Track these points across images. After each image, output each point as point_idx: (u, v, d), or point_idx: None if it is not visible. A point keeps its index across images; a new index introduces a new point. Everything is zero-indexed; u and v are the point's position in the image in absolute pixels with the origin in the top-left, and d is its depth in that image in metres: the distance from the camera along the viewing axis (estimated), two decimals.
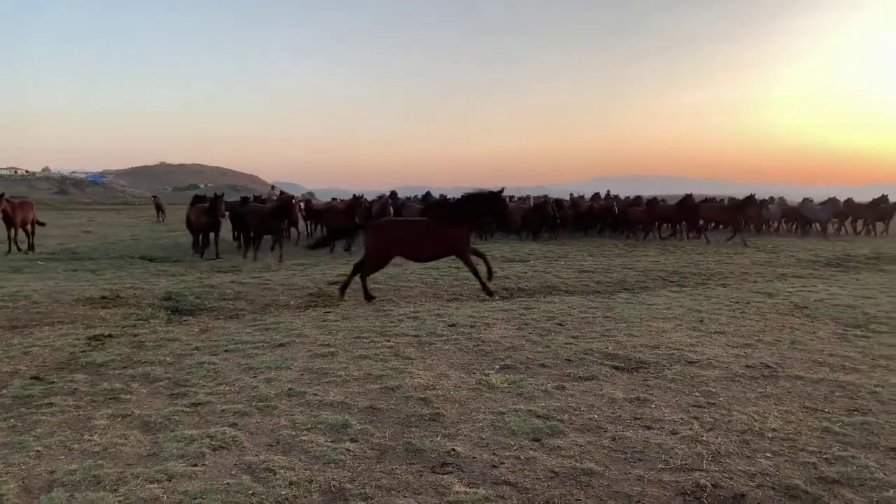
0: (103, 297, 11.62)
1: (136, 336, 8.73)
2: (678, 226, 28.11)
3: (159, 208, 44.96)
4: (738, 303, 11.18)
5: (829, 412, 5.68)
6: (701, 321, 9.51)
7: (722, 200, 34.38)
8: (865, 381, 6.54)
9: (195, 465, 4.65)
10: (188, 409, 5.80)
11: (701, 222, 27.14)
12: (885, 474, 4.45)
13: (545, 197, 32.21)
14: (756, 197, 27.18)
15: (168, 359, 7.52)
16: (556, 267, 16.85)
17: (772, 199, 34.04)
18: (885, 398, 6.01)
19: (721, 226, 30.17)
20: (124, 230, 34.31)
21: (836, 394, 6.17)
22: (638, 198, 33.63)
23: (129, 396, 6.20)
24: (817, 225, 31.31)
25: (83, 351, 7.91)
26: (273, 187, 25.84)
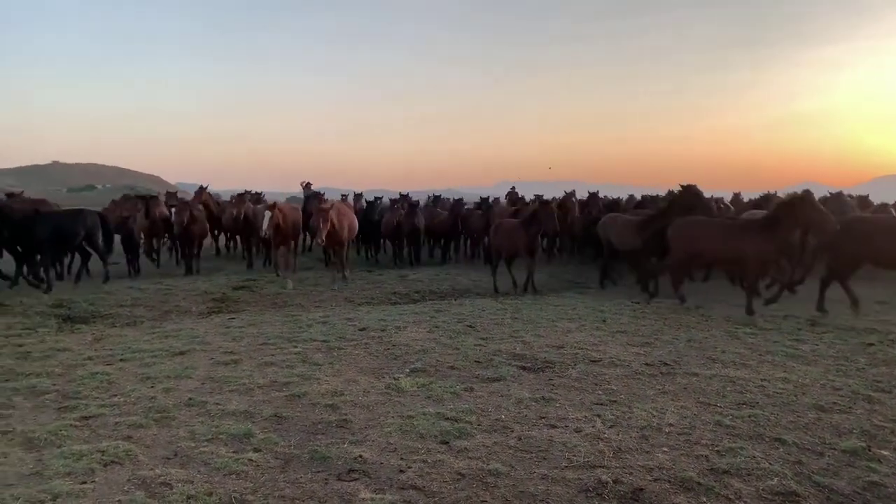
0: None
1: (20, 346, 8.15)
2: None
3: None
4: (638, 303, 11.61)
5: (721, 406, 5.98)
6: (604, 321, 9.82)
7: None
8: (753, 375, 6.93)
9: (84, 483, 4.37)
10: (78, 423, 5.46)
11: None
12: (769, 464, 4.72)
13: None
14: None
15: (57, 370, 7.06)
16: (468, 270, 17.03)
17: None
18: (770, 392, 6.39)
19: None
20: None
21: (728, 388, 6.50)
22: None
23: (10, 411, 5.77)
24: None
25: None
26: (307, 185, 21.51)
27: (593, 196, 20.64)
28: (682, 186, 13.21)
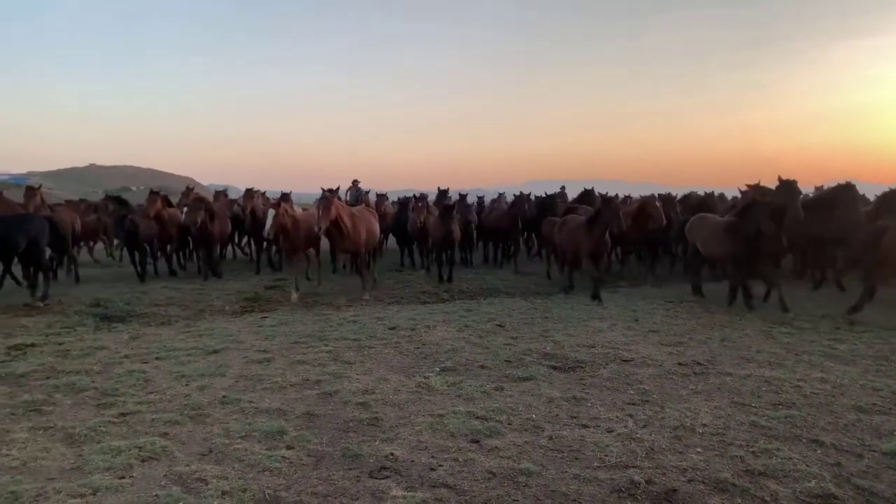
0: (26, 305, 11.07)
1: (60, 345, 8.35)
2: None
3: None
4: (671, 302, 11.48)
5: (756, 407, 5.89)
6: (636, 320, 9.73)
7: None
8: (790, 375, 6.81)
9: (122, 478, 4.46)
10: (116, 420, 5.57)
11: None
12: (807, 465, 4.63)
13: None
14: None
15: (95, 368, 7.22)
16: (494, 269, 16.98)
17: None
18: (807, 392, 6.27)
19: None
20: None
21: (763, 389, 6.40)
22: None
23: (51, 408, 5.91)
24: None
25: (2, 361, 7.51)
26: (354, 184, 19.65)
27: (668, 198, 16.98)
28: (781, 181, 11.61)
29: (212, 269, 15.15)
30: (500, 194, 23.86)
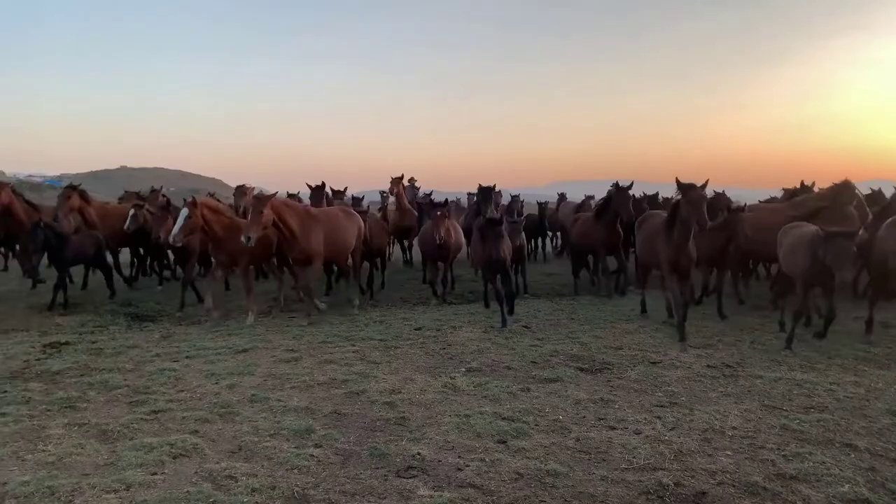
0: (60, 304, 11.30)
1: (94, 343, 8.53)
2: None
3: None
4: (700, 304, 11.32)
5: (787, 410, 5.80)
6: (664, 322, 9.62)
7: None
8: (822, 379, 6.69)
9: (154, 474, 4.55)
10: (148, 417, 5.67)
11: None
12: (840, 470, 4.55)
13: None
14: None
15: (127, 366, 7.36)
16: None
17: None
18: (840, 396, 6.16)
19: None
20: None
21: (794, 392, 6.30)
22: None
23: (85, 405, 6.04)
24: None
25: (38, 359, 7.69)
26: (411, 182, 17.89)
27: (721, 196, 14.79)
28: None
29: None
30: (561, 194, 21.24)
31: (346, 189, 12.31)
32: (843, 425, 5.41)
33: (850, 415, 5.66)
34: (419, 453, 4.88)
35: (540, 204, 18.66)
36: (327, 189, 14.02)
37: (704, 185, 8.59)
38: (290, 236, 9.77)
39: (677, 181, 8.65)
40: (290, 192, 15.26)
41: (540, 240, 19.53)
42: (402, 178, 16.13)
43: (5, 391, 6.40)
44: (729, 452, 4.90)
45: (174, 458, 4.83)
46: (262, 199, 9.34)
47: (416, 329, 9.22)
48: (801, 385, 6.49)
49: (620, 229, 12.13)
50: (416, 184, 18.71)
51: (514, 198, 19.39)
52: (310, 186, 13.60)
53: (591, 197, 19.66)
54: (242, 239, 9.01)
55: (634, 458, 4.81)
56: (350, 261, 11.17)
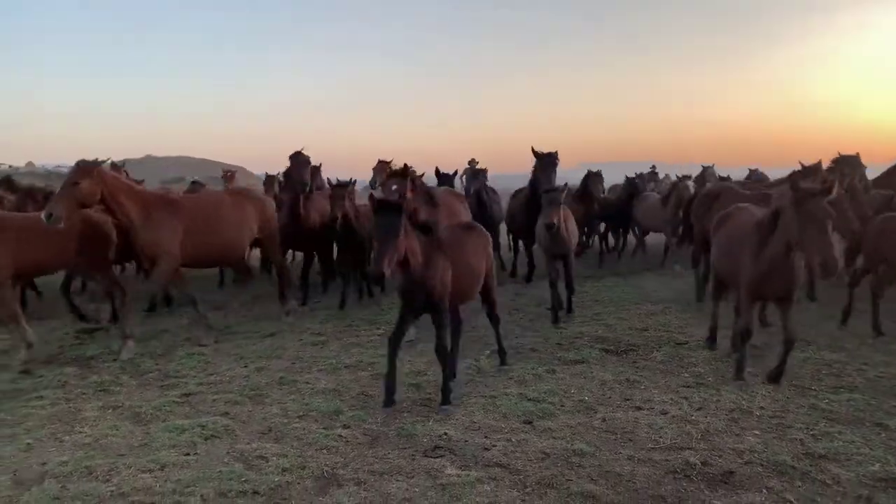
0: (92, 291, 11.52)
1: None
2: None
3: None
4: None
5: (816, 390, 5.75)
6: (689, 304, 9.55)
7: None
8: (851, 359, 6.61)
9: (187, 455, 4.65)
10: (179, 400, 5.80)
11: None
12: (870, 449, 4.52)
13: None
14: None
15: (158, 350, 7.50)
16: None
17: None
18: (871, 376, 6.08)
19: None
20: None
21: (823, 372, 6.23)
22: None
23: (119, 388, 6.18)
24: None
25: (72, 345, 7.88)
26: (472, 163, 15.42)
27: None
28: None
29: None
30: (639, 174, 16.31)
31: (354, 181, 9.84)
32: (873, 405, 5.35)
33: (880, 395, 5.59)
34: (446, 433, 4.93)
35: (629, 179, 14.74)
36: (325, 178, 11.50)
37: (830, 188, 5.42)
38: (128, 225, 7.38)
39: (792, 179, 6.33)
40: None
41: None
42: (390, 162, 12.02)
43: (42, 375, 6.58)
44: (757, 432, 4.88)
45: (206, 439, 4.93)
46: (84, 168, 6.93)
47: None
48: (831, 365, 6.42)
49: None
50: (478, 165, 15.07)
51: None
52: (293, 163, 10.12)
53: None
54: (42, 216, 6.68)
55: (661, 437, 4.81)
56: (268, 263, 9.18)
